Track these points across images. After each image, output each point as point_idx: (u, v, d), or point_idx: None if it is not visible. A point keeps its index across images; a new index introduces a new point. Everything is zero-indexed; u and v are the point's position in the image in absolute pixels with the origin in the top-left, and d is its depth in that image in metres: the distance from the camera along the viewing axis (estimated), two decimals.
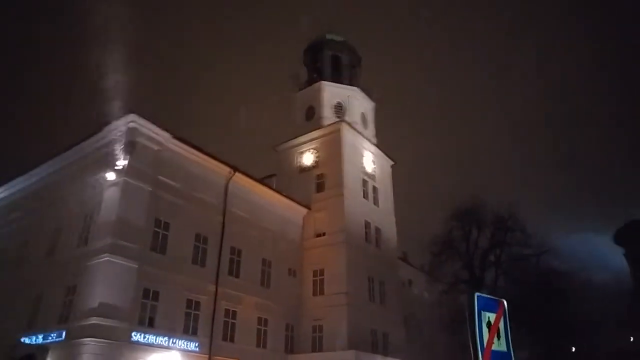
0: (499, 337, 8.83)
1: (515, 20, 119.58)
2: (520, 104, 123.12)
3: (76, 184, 25.33)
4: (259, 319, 28.27)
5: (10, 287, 25.49)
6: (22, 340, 21.87)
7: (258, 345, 27.69)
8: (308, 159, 36.38)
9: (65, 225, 24.83)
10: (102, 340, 19.61)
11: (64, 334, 20.55)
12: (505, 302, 9.36)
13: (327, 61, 40.76)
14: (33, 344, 21.35)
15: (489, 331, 8.69)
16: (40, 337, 21.43)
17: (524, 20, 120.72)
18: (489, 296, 9.62)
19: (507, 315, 9.20)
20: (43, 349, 20.68)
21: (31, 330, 22.36)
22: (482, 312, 8.73)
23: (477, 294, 9.06)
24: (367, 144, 37.91)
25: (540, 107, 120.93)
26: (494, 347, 8.69)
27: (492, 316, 8.85)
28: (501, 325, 8.91)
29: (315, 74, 40.96)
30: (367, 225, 34.59)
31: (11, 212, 29.58)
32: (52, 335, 20.97)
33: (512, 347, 9.10)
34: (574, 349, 39.23)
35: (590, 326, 37.65)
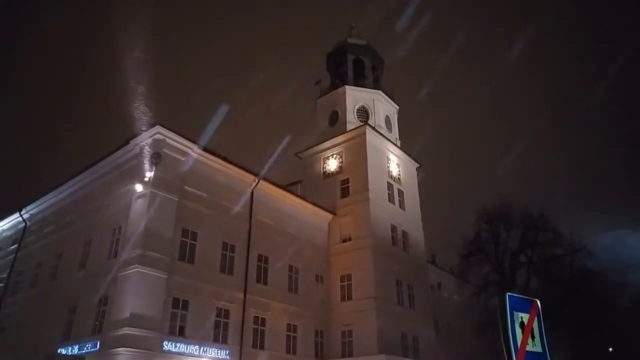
0: (533, 338, 8.58)
1: (540, 23, 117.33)
2: (549, 100, 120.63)
3: (105, 196, 25.90)
4: (288, 325, 28.29)
5: (46, 299, 26.19)
6: (59, 350, 22.41)
7: (288, 352, 27.69)
8: (332, 164, 36.41)
9: (96, 237, 25.38)
10: (135, 349, 19.88)
11: (98, 344, 20.93)
12: (538, 302, 9.11)
13: (349, 65, 40.77)
14: (69, 355, 21.85)
15: (522, 332, 8.46)
16: (76, 347, 21.89)
17: (549, 23, 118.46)
18: (521, 296, 9.39)
19: (541, 315, 8.94)
20: (79, 359, 21.13)
21: (67, 341, 22.90)
22: (514, 312, 8.50)
23: (508, 293, 8.85)
24: (391, 147, 37.73)
25: (571, 100, 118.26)
26: (529, 348, 8.44)
27: (525, 316, 8.61)
28: (535, 325, 8.66)
29: (338, 79, 41.04)
30: (393, 229, 34.31)
31: (45, 227, 30.46)
32: (87, 345, 21.38)
33: (548, 348, 8.85)
34: (611, 350, 38.00)
35: (628, 326, 36.45)
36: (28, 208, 32.00)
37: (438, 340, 35.92)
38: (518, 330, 8.46)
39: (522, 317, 8.62)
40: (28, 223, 32.30)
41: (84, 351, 21.35)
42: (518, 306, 8.78)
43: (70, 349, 22.14)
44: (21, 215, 32.43)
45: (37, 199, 31.33)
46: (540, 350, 8.71)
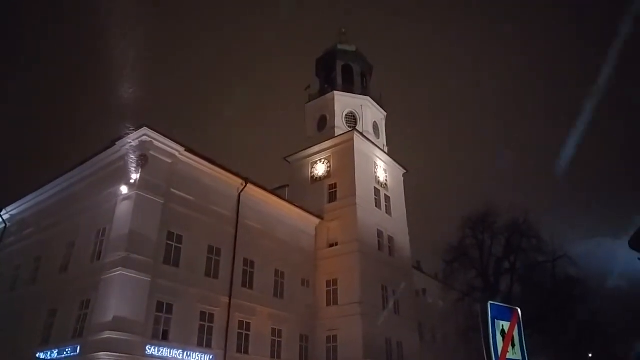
0: (513, 346, 8.72)
1: (525, 28, 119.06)
2: (533, 107, 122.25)
3: (89, 198, 25.60)
4: (273, 330, 28.18)
5: (25, 303, 25.71)
6: (37, 355, 22.04)
7: (272, 357, 27.55)
8: (320, 169, 36.50)
9: (79, 240, 25.04)
10: (117, 354, 19.61)
11: (78, 348, 20.62)
12: (519, 311, 9.23)
13: (338, 71, 41.04)
14: (48, 359, 21.49)
15: (503, 340, 8.58)
16: (55, 352, 21.54)
17: (535, 28, 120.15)
18: (502, 304, 9.51)
19: (522, 324, 9.06)
20: None
21: (46, 346, 22.50)
22: (495, 320, 8.63)
23: (490, 302, 8.96)
24: (379, 153, 37.97)
25: (552, 110, 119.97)
26: (509, 356, 8.58)
27: (506, 325, 8.74)
28: (515, 333, 8.79)
29: (327, 84, 41.30)
30: (380, 234, 34.48)
31: (25, 229, 29.95)
32: (67, 350, 21.05)
33: (528, 356, 8.98)
34: (590, 355, 38.53)
35: (607, 332, 36.95)
36: (8, 209, 31.46)
37: (422, 345, 36.07)
38: (499, 338, 8.57)
39: (503, 325, 8.75)
40: (8, 224, 31.76)
41: (63, 356, 21.04)
42: (499, 314, 8.89)
43: (49, 353, 21.78)
44: (1, 216, 31.84)
45: (18, 199, 30.81)
46: (520, 358, 8.84)
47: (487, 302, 9.12)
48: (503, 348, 8.61)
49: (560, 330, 32.87)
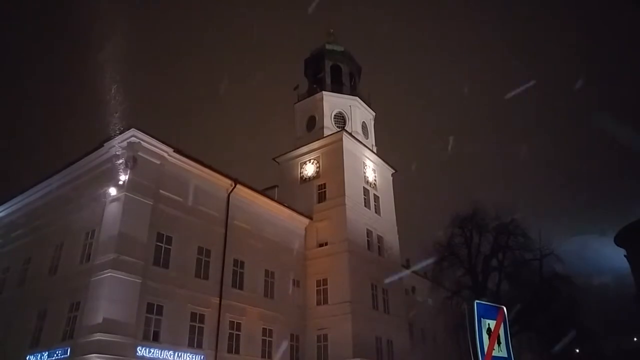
0: (499, 343, 8.92)
1: (513, 29, 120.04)
2: (519, 107, 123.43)
3: (78, 200, 25.46)
4: (264, 329, 28.28)
5: (14, 305, 25.57)
6: (27, 358, 21.96)
7: (263, 357, 27.65)
8: (309, 169, 36.61)
9: (68, 241, 24.90)
10: (107, 356, 19.61)
11: (68, 350, 20.56)
12: (505, 309, 9.45)
13: (327, 71, 41.12)
14: None
15: (489, 338, 8.78)
16: (45, 354, 21.47)
17: (522, 27, 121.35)
18: (488, 303, 9.72)
19: (507, 322, 9.28)
20: None
21: (36, 348, 22.41)
22: (482, 319, 8.82)
23: (476, 301, 9.16)
24: (368, 153, 38.17)
25: (539, 108, 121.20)
26: (495, 353, 8.78)
27: (492, 323, 8.94)
28: (501, 331, 8.99)
29: (316, 85, 41.28)
30: (369, 233, 34.68)
31: (14, 230, 29.66)
32: (57, 352, 20.98)
33: (513, 353, 9.20)
34: (577, 351, 39.07)
35: (594, 328, 37.49)
36: None
37: (412, 343, 36.38)
38: (485, 337, 8.77)
39: (489, 324, 8.95)
40: None
41: (53, 358, 20.98)
42: (485, 313, 9.09)
43: (39, 356, 21.72)
44: None
45: (6, 201, 30.55)
46: (505, 355, 9.06)
47: (473, 301, 9.32)
48: (489, 346, 8.81)
49: (547, 327, 33.32)
